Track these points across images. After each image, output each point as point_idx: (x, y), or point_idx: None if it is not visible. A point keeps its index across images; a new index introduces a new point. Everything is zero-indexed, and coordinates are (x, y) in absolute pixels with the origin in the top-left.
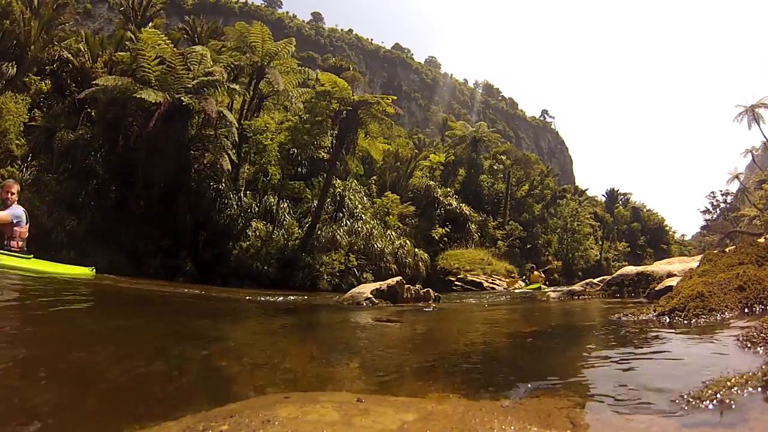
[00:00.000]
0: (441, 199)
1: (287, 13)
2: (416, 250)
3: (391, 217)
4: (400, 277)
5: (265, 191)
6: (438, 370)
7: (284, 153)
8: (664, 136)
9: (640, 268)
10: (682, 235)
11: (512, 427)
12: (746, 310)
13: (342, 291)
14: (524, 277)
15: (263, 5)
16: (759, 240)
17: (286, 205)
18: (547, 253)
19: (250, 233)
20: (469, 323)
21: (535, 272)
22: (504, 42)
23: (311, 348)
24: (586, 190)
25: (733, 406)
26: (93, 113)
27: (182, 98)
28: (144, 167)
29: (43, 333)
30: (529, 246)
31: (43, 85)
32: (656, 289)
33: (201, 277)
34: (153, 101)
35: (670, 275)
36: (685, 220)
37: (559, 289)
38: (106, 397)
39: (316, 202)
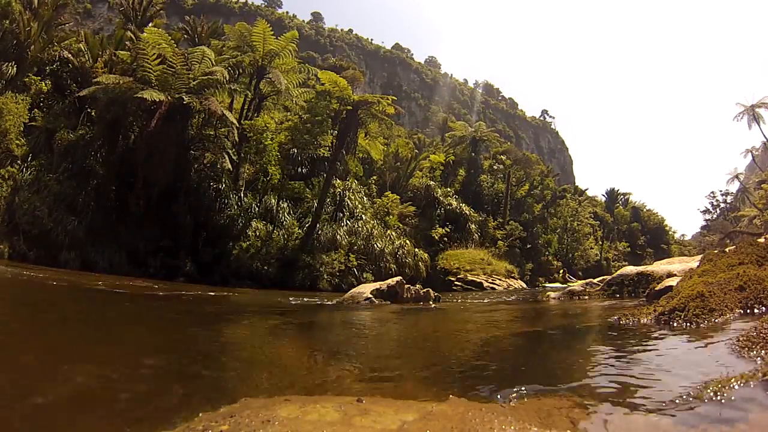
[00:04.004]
0: (441, 199)
1: (287, 13)
2: (416, 250)
3: (391, 217)
4: (400, 277)
5: (265, 191)
6: (438, 370)
7: (284, 153)
8: (663, 136)
9: (640, 268)
10: (682, 235)
11: (512, 427)
12: (746, 310)
13: (342, 291)
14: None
15: (263, 5)
16: (759, 240)
17: (286, 205)
18: (547, 253)
19: (250, 233)
20: (468, 323)
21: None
22: (504, 42)
23: (311, 348)
24: (586, 190)
25: (733, 405)
26: (93, 113)
27: (183, 98)
28: (144, 167)
29: None
30: (529, 246)
31: (43, 85)
32: (656, 289)
33: (201, 277)
34: (156, 100)
35: (670, 275)
36: (685, 220)
37: (556, 287)
38: (103, 396)
39: (316, 202)
